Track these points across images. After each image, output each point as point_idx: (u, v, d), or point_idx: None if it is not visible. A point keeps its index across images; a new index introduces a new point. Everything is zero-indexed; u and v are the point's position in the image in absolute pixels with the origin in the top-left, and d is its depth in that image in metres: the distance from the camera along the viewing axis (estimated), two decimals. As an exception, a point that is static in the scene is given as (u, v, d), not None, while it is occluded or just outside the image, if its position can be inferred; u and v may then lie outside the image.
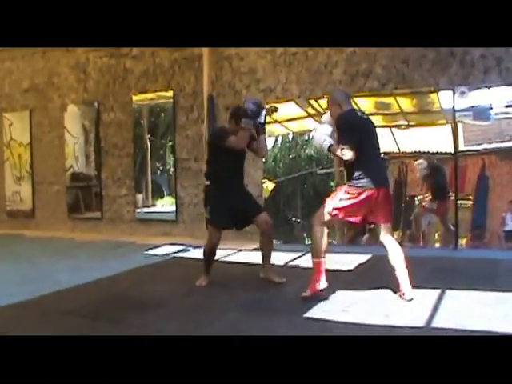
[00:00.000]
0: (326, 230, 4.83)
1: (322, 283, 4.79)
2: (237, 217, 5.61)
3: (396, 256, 4.74)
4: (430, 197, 9.66)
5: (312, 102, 9.59)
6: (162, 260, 7.28)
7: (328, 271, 4.88)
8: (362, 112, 5.38)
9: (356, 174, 4.67)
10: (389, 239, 4.82)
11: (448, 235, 9.58)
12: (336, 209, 4.72)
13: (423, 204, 9.77)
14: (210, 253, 5.74)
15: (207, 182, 5.75)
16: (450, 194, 9.85)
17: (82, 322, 4.56)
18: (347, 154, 4.62)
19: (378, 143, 4.93)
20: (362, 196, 4.65)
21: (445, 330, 3.88)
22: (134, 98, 9.99)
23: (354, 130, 4.70)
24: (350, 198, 4.68)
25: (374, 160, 4.80)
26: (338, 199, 4.73)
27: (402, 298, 4.69)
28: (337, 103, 4.93)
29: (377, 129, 5.04)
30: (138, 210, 10.12)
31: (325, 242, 4.82)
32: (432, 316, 4.24)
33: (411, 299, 4.61)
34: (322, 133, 4.92)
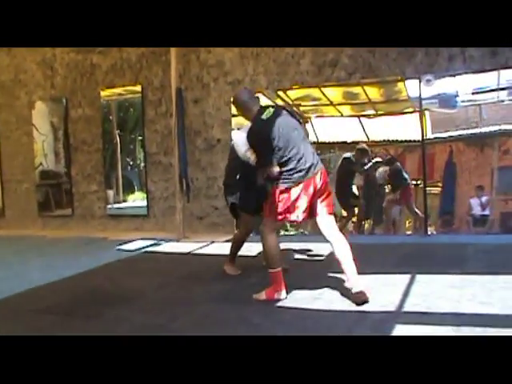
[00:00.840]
0: (276, 239, 4.72)
1: (283, 294, 4.62)
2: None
3: (343, 251, 4.48)
4: (391, 189, 9.86)
5: (280, 93, 9.63)
6: (134, 255, 7.27)
7: (299, 260, 4.92)
8: (273, 106, 5.10)
9: (285, 173, 4.47)
10: (333, 233, 4.57)
11: (417, 221, 9.76)
12: (281, 213, 4.52)
13: (387, 197, 9.95)
14: (242, 241, 5.75)
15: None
16: (409, 182, 10.08)
17: (56, 320, 4.53)
18: (273, 171, 4.48)
19: (297, 133, 4.61)
20: (298, 190, 4.43)
21: (415, 314, 3.96)
22: (102, 93, 9.94)
23: (265, 139, 4.50)
24: (288, 198, 4.47)
25: (297, 152, 4.47)
26: (278, 203, 4.52)
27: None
28: (246, 109, 4.75)
29: (294, 115, 4.89)
30: (109, 206, 10.08)
31: (280, 249, 4.73)
32: (403, 300, 4.32)
33: (359, 292, 4.36)
34: (244, 148, 4.84)
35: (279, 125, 4.51)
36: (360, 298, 4.31)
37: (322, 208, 4.57)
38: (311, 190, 4.45)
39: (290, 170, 4.44)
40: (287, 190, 4.45)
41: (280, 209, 4.50)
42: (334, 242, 4.53)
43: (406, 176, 9.95)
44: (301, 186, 4.42)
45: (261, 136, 4.55)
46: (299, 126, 4.79)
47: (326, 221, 4.59)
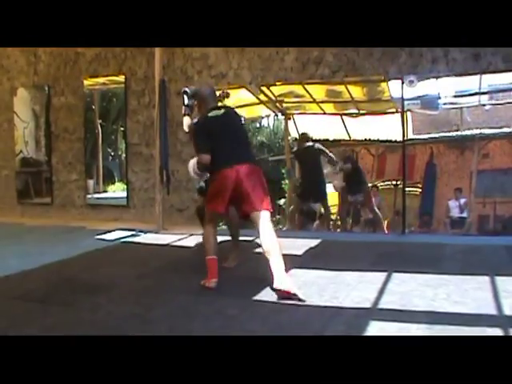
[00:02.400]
0: (213, 229, 5.00)
1: (213, 283, 4.82)
2: None
3: (271, 247, 4.57)
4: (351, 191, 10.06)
5: (264, 88, 9.67)
6: (113, 244, 7.26)
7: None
8: (224, 107, 5.32)
9: (213, 163, 4.80)
10: (264, 229, 4.65)
11: (376, 222, 9.93)
12: (209, 202, 4.94)
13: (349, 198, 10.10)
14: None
15: None
16: (369, 185, 10.27)
17: (31, 306, 4.50)
18: (203, 158, 4.83)
19: (235, 131, 5.04)
20: (220, 178, 4.74)
21: (390, 311, 4.01)
22: (86, 82, 9.89)
23: (203, 132, 4.94)
24: (214, 188, 4.84)
25: (227, 146, 4.83)
26: (209, 193, 4.98)
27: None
28: (203, 104, 5.18)
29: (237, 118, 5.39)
30: (89, 196, 10.05)
31: (215, 241, 4.96)
32: (378, 298, 4.35)
33: (279, 290, 4.37)
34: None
35: (220, 123, 4.93)
36: (280, 295, 4.39)
37: (253, 203, 4.70)
38: (230, 181, 4.69)
39: (217, 160, 4.76)
40: (214, 181, 4.84)
41: (209, 199, 4.94)
42: (264, 238, 4.64)
43: (365, 179, 10.07)
44: (224, 175, 4.70)
45: (201, 129, 5.00)
46: (242, 127, 5.38)
47: (258, 216, 4.69)
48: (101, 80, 9.88)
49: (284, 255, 4.59)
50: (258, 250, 5.59)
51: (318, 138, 13.03)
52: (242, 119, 5.36)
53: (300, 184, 10.36)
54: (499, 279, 4.69)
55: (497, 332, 3.40)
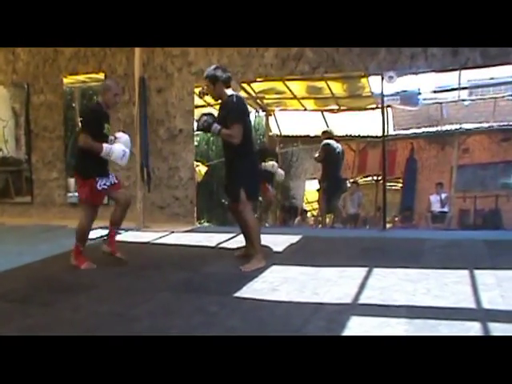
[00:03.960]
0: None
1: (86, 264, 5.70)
2: None
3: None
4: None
5: (244, 85, 9.66)
6: (94, 243, 7.19)
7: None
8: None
9: None
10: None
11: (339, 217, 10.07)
12: None
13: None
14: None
15: None
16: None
17: (10, 307, 4.46)
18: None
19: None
20: None
21: (370, 306, 4.03)
22: (65, 80, 9.81)
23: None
24: None
25: None
26: None
27: None
28: None
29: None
30: (70, 194, 9.97)
31: (88, 228, 5.88)
32: (359, 293, 4.37)
33: None
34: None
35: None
36: None
37: None
38: None
39: None
40: None
41: None
42: None
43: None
44: None
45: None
46: None
47: None
48: (81, 78, 9.80)
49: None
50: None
51: (299, 135, 13.11)
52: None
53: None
54: (478, 273, 4.72)
55: (475, 326, 3.43)
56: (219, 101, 5.47)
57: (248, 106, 5.63)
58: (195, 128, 5.32)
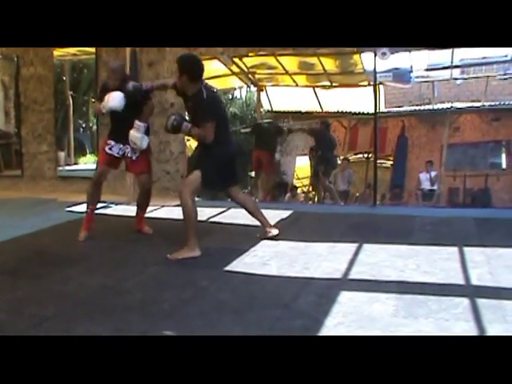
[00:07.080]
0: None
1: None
2: None
3: None
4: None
5: (236, 59, 9.62)
6: (84, 217, 7.20)
7: (250, 226, 4.97)
8: None
9: None
10: None
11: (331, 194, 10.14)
12: None
13: None
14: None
15: None
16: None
17: (0, 279, 4.46)
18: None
19: None
20: None
21: (360, 281, 4.06)
22: (55, 52, 9.69)
23: None
24: None
25: None
26: None
27: None
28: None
29: None
30: (60, 168, 9.93)
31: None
32: (349, 268, 4.39)
33: None
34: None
35: None
36: None
37: None
38: None
39: None
40: None
41: None
42: None
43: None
44: None
45: None
46: None
47: None
48: (71, 50, 9.71)
49: (254, 226, 4.59)
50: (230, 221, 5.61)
51: (290, 110, 13.09)
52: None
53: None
54: (467, 250, 4.76)
55: (464, 302, 3.47)
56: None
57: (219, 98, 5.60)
58: (164, 128, 5.18)
